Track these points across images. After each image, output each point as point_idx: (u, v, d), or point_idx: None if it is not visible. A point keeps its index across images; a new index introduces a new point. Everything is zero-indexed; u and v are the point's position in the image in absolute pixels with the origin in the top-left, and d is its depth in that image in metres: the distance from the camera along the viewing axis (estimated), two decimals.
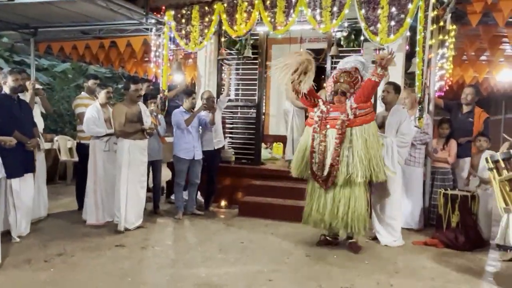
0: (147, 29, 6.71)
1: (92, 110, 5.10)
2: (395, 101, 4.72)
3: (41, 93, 5.31)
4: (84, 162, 5.29)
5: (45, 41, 8.08)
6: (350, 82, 4.35)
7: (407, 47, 5.75)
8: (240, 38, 6.49)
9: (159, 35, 6.63)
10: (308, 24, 5.81)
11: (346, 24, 6.15)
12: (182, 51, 7.16)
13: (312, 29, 5.94)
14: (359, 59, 4.61)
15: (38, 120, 5.10)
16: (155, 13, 6.49)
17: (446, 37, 5.63)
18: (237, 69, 7.36)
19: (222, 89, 6.65)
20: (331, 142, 4.23)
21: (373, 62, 6.03)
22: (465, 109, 5.80)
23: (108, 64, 9.69)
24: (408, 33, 5.50)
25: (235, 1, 6.12)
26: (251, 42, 6.69)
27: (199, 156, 5.73)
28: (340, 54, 6.02)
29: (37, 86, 5.28)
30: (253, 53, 6.66)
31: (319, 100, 4.46)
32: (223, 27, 6.31)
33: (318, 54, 6.57)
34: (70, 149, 8.30)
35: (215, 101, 5.96)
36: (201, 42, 6.40)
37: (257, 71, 6.70)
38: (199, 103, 5.87)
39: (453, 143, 5.43)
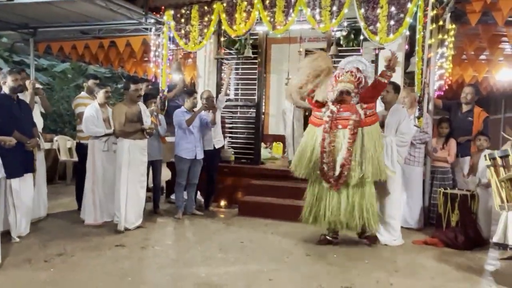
0: (146, 29, 6.70)
1: (90, 110, 5.09)
2: (394, 101, 4.74)
3: (41, 93, 5.29)
4: (83, 162, 5.28)
5: (44, 41, 8.07)
6: (354, 82, 4.36)
7: (407, 47, 5.75)
8: (240, 38, 6.50)
9: (159, 35, 6.62)
10: (308, 24, 5.81)
11: (345, 24, 6.17)
12: (182, 51, 7.16)
13: (312, 29, 5.94)
14: (360, 60, 4.64)
15: (37, 120, 5.08)
16: (154, 13, 6.48)
17: (446, 36, 5.63)
18: (236, 69, 7.35)
19: (221, 89, 6.66)
20: (342, 142, 4.26)
21: (373, 62, 6.06)
22: (465, 108, 5.82)
23: (108, 64, 9.67)
24: (408, 33, 5.50)
25: (234, 1, 6.11)
26: (251, 41, 6.70)
27: (200, 156, 5.73)
28: (340, 54, 6.02)
29: (37, 85, 5.27)
30: (252, 53, 6.67)
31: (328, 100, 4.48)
32: (223, 27, 6.31)
33: None
34: (70, 149, 8.29)
35: (215, 101, 5.97)
36: (200, 42, 6.40)
37: (256, 71, 6.70)
38: (200, 103, 5.88)
39: (452, 142, 5.43)
